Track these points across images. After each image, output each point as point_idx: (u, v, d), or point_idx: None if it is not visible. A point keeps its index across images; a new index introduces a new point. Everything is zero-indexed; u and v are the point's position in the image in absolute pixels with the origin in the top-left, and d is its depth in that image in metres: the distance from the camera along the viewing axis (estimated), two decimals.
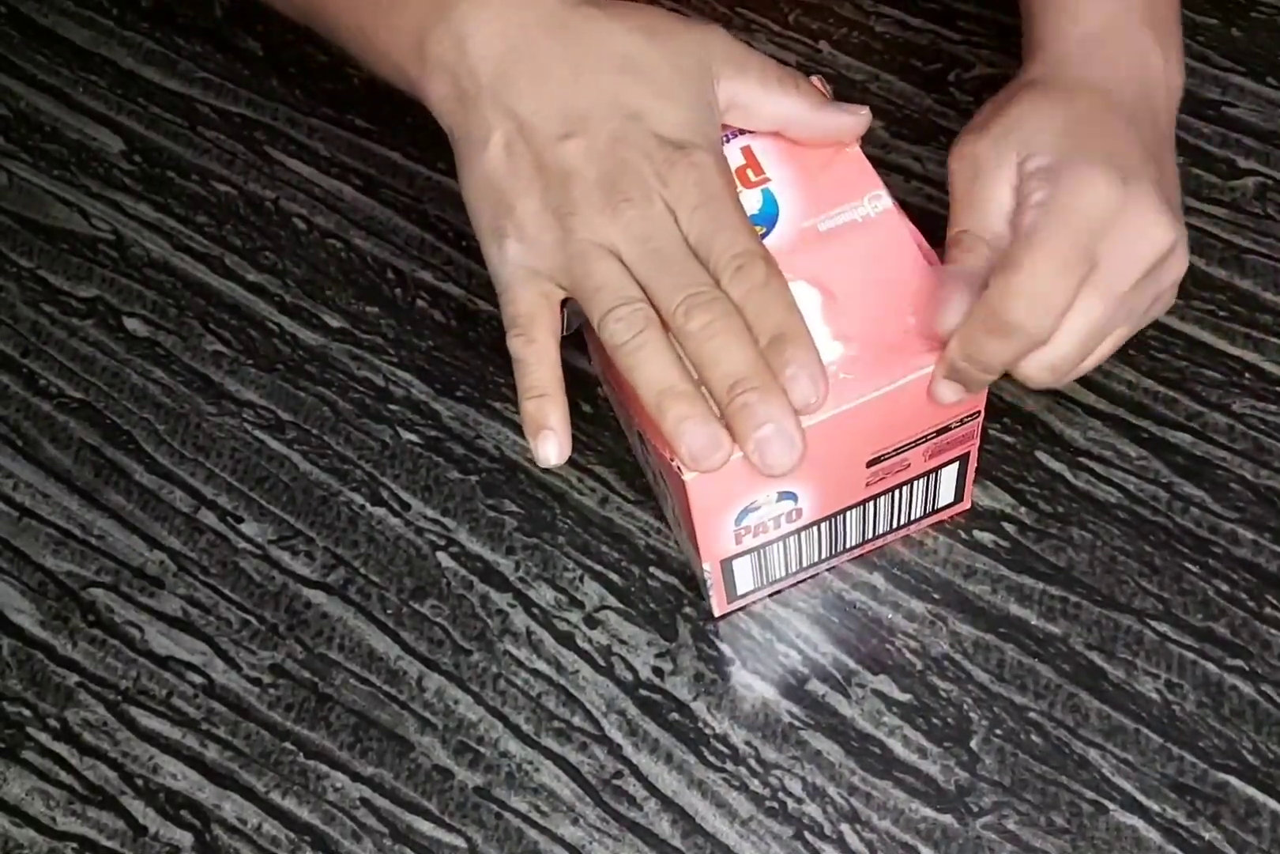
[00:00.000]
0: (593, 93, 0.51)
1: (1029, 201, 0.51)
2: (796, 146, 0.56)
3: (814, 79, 0.57)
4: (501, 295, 0.52)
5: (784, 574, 0.61)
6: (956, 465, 0.59)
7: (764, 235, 0.54)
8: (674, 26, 0.53)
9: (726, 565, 0.58)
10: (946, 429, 0.56)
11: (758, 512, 0.56)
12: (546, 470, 0.66)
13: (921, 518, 0.62)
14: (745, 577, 0.60)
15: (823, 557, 0.61)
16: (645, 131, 0.51)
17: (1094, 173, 0.50)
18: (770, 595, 0.63)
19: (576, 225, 0.50)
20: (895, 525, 0.62)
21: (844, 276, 0.54)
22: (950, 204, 0.54)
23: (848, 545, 0.62)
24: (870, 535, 0.62)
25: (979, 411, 0.56)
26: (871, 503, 0.59)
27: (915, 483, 0.59)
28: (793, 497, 0.56)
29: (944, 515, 0.63)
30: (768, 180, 0.56)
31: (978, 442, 0.59)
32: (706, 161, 0.51)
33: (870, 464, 0.56)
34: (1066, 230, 0.50)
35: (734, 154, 0.56)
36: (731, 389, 0.48)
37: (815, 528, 0.59)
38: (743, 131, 0.56)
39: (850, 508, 0.59)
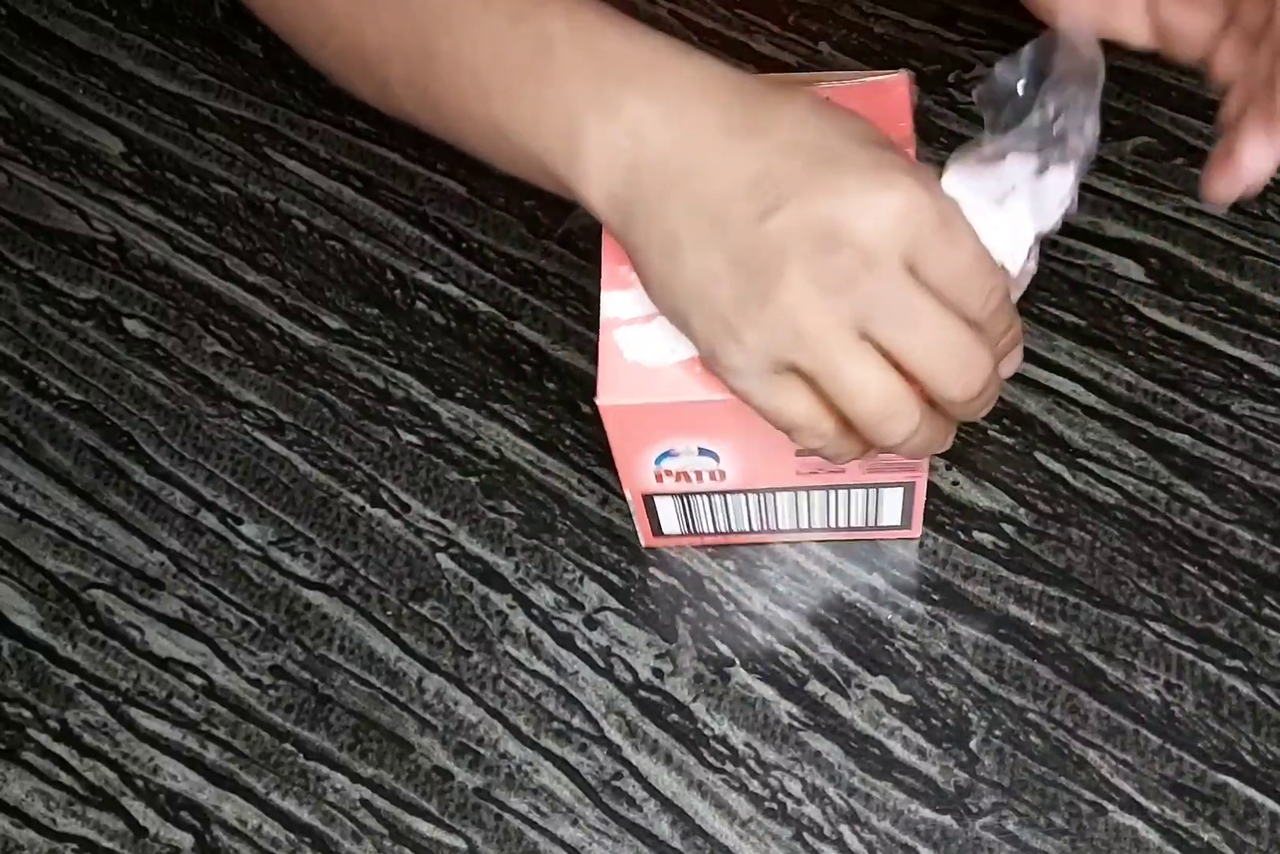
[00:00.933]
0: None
1: None
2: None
3: (902, 74, 0.57)
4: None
5: (712, 530, 0.62)
6: (901, 491, 0.59)
7: None
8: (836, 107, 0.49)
9: (649, 501, 0.60)
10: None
11: (677, 459, 0.57)
12: (546, 471, 0.66)
13: (864, 529, 0.62)
14: (670, 518, 0.61)
15: (754, 527, 0.62)
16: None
17: None
18: (710, 550, 0.63)
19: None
20: (833, 525, 0.62)
21: None
22: None
23: (781, 525, 0.62)
24: (806, 525, 0.62)
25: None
26: (806, 494, 0.59)
27: (855, 492, 0.59)
28: (713, 456, 0.56)
29: (889, 535, 0.63)
30: None
31: (924, 476, 0.59)
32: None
33: (800, 453, 0.56)
34: None
35: None
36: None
37: (744, 496, 0.59)
38: None
39: (781, 490, 0.59)
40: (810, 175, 0.46)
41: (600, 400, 0.54)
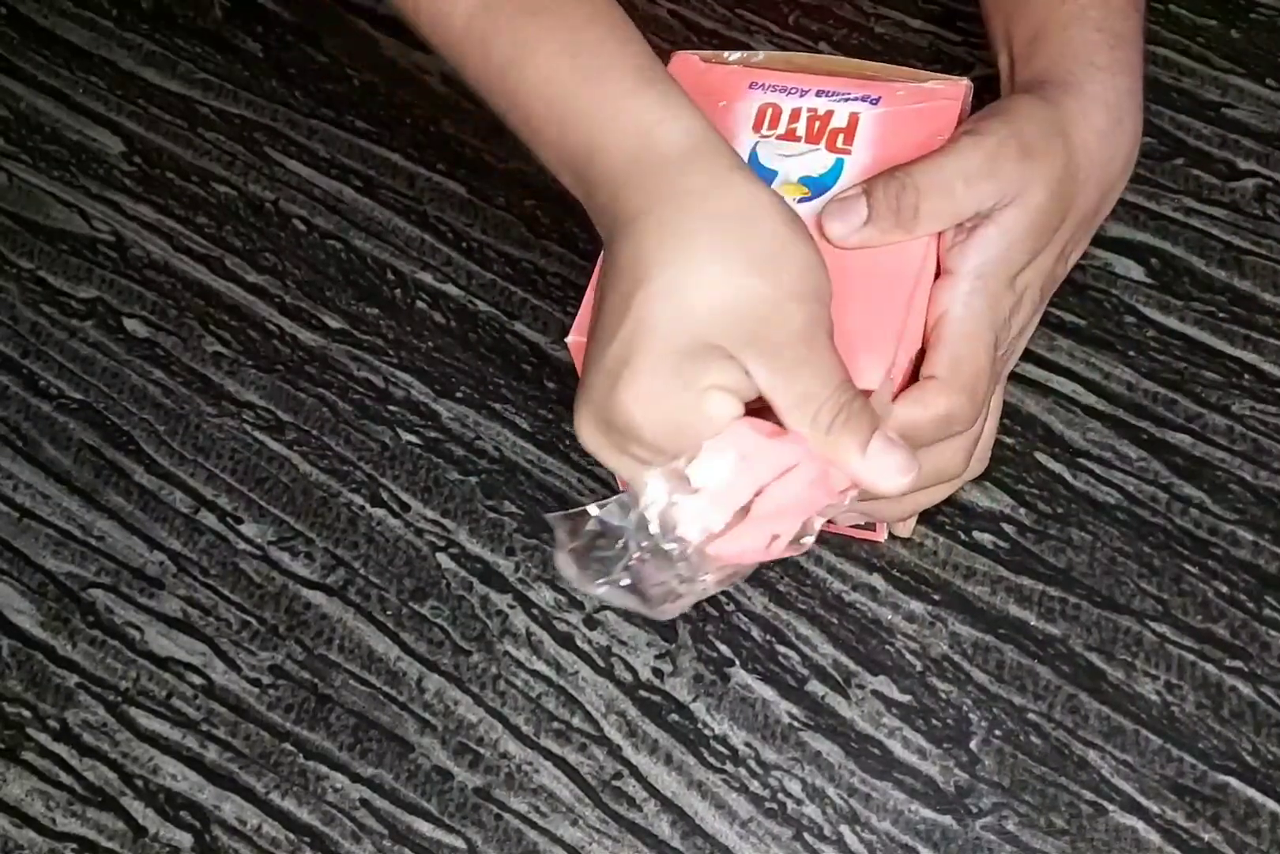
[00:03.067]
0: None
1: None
2: (898, 135, 0.56)
3: (962, 82, 0.57)
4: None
5: None
6: None
7: (805, 199, 0.55)
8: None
9: None
10: None
11: None
12: (546, 471, 0.66)
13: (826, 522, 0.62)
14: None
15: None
16: None
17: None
18: None
19: None
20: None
21: (835, 263, 0.52)
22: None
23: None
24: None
25: None
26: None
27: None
28: None
29: (858, 534, 0.63)
30: (849, 153, 0.56)
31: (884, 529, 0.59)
32: None
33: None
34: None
35: (842, 114, 0.57)
36: None
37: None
38: (864, 98, 0.57)
39: None
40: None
41: (570, 338, 0.53)
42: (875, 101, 0.57)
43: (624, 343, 0.48)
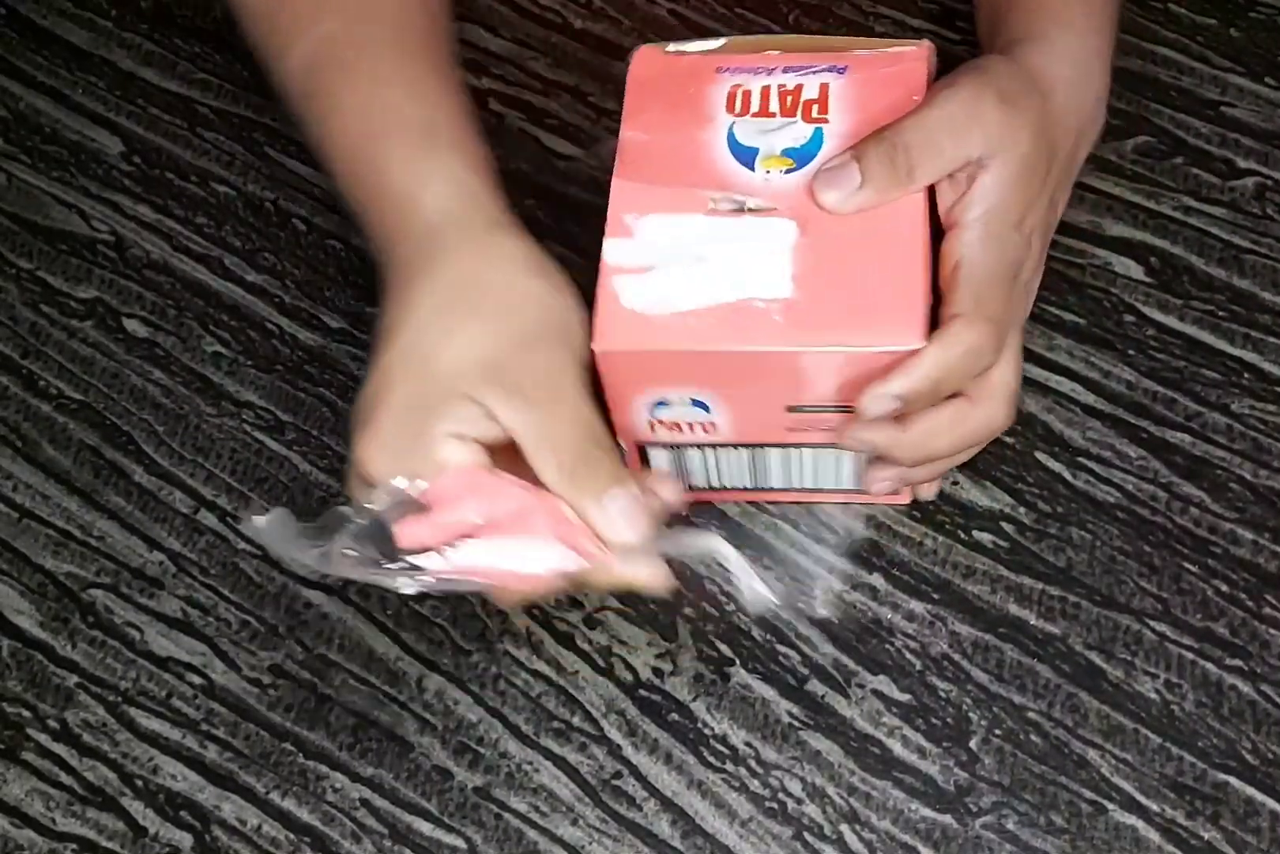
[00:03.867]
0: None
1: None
2: (871, 100, 0.57)
3: (924, 45, 0.59)
4: None
5: (705, 485, 0.62)
6: None
7: (791, 170, 0.56)
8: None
9: (643, 451, 0.60)
10: None
11: (669, 409, 0.57)
12: None
13: (854, 491, 0.62)
14: (663, 470, 0.61)
15: (746, 484, 0.62)
16: None
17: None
18: (694, 505, 0.63)
19: None
20: (822, 486, 0.62)
21: (835, 230, 0.54)
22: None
23: (771, 483, 0.62)
24: (797, 484, 0.62)
25: None
26: (797, 452, 0.60)
27: (845, 454, 0.59)
28: (704, 407, 0.57)
29: (881, 499, 0.63)
30: (826, 122, 0.57)
31: None
32: None
33: (791, 410, 0.56)
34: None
35: (812, 87, 0.58)
36: None
37: (736, 451, 0.60)
38: (831, 69, 0.58)
39: (772, 446, 0.59)
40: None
41: (596, 346, 0.54)
42: (842, 71, 0.58)
43: (368, 400, 0.52)
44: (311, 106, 0.59)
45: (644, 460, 0.61)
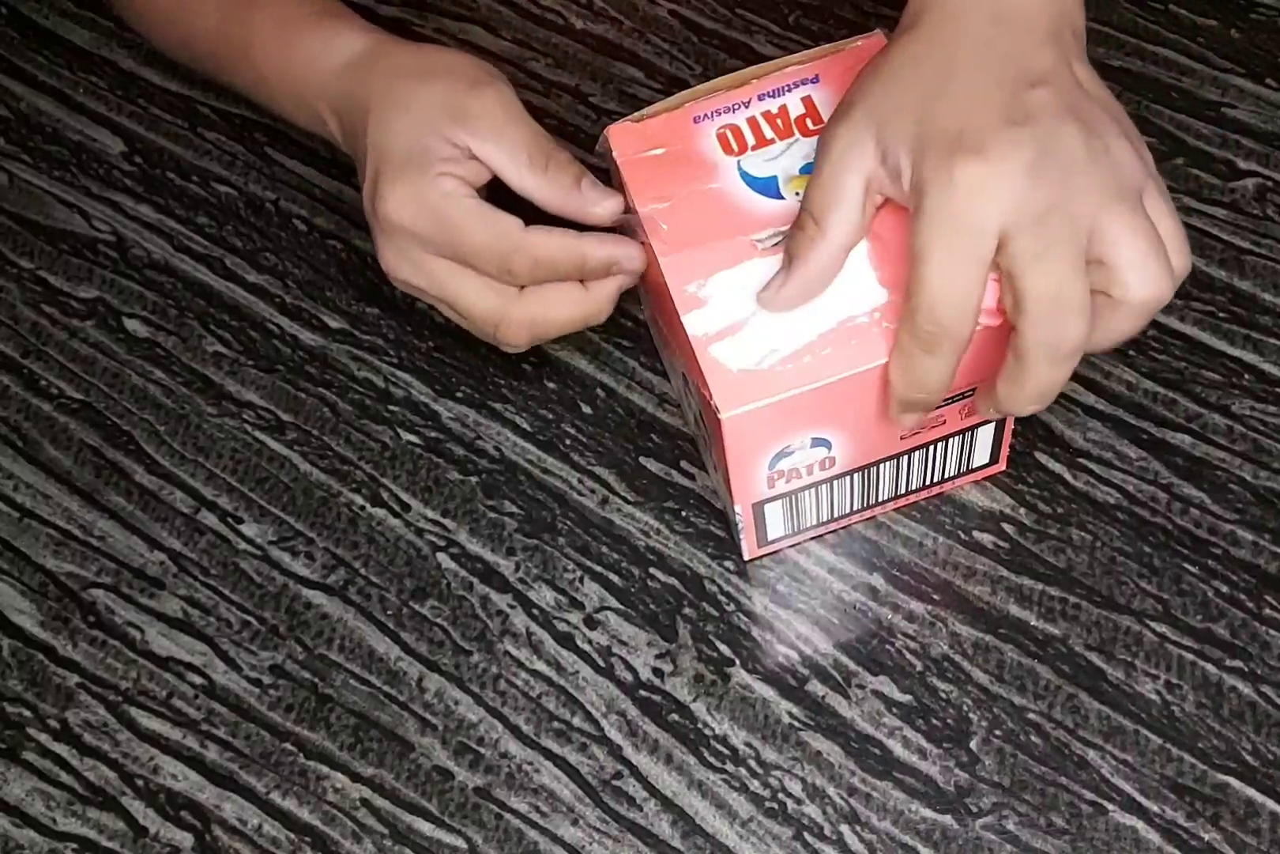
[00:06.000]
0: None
1: (911, 209, 0.51)
2: None
3: (876, 34, 0.59)
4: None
5: (815, 522, 0.62)
6: (993, 425, 0.60)
7: None
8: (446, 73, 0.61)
9: (758, 510, 0.59)
10: None
11: (791, 457, 0.57)
12: (546, 471, 0.66)
13: (955, 476, 0.63)
14: (776, 522, 0.61)
15: (855, 507, 0.62)
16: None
17: (951, 164, 0.49)
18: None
19: None
20: (929, 482, 0.62)
21: (891, 224, 0.54)
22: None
23: (880, 498, 0.62)
24: (903, 490, 0.62)
25: None
26: (906, 457, 0.60)
27: (950, 440, 0.60)
28: (826, 444, 0.57)
29: (978, 476, 0.63)
30: None
31: None
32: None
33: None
34: (946, 234, 0.49)
35: (794, 103, 0.58)
36: None
37: (848, 478, 0.60)
38: (803, 82, 0.58)
39: (884, 461, 0.59)
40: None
41: (724, 414, 0.53)
42: (815, 80, 0.58)
43: (371, 172, 0.59)
44: (231, 39, 0.67)
45: (758, 520, 0.60)
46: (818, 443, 0.57)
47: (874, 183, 0.52)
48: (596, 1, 0.79)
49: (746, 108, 0.58)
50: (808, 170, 0.56)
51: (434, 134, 0.58)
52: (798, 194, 0.56)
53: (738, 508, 0.59)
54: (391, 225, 0.58)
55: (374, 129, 0.59)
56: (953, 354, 0.51)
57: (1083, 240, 0.49)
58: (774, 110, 0.58)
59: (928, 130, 0.50)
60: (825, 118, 0.57)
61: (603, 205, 0.59)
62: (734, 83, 0.59)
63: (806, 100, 0.58)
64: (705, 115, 0.58)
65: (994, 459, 0.63)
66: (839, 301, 0.54)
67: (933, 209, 0.49)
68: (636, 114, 0.59)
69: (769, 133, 0.57)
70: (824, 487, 0.60)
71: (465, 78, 0.60)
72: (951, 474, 0.62)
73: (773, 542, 0.63)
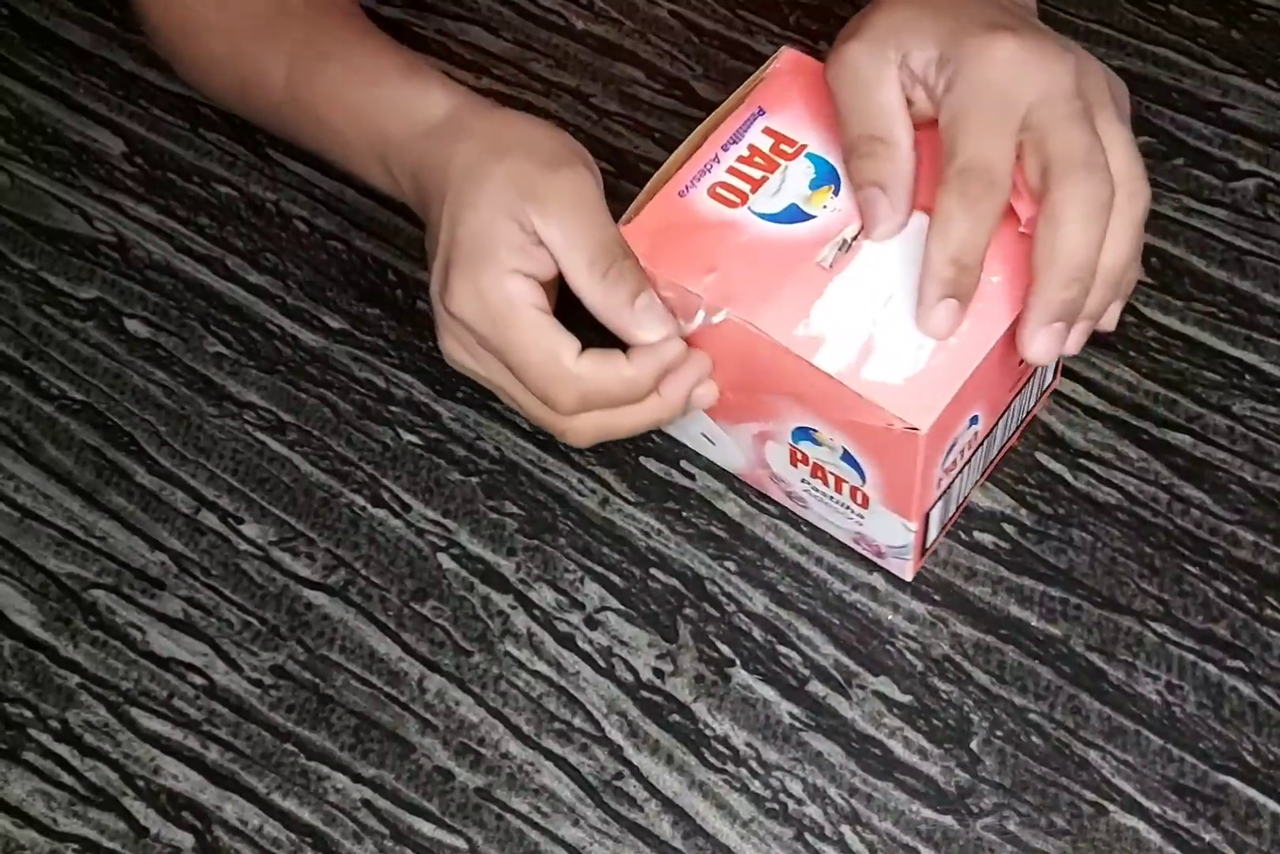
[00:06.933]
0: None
1: (938, 96, 0.53)
2: (810, 109, 0.58)
3: (785, 49, 0.59)
4: None
5: (951, 512, 0.62)
6: None
7: (836, 193, 0.56)
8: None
9: (926, 518, 0.59)
10: None
11: (955, 447, 0.57)
12: (546, 472, 0.66)
13: (1031, 409, 0.63)
14: (935, 525, 0.61)
15: (970, 486, 0.62)
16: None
17: (990, 39, 0.52)
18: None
19: None
20: (1013, 430, 0.63)
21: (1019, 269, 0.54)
22: (838, 117, 0.55)
23: (989, 460, 0.62)
24: (1000, 446, 0.62)
25: None
26: (1006, 410, 0.60)
27: (1035, 374, 0.61)
28: (974, 419, 0.57)
29: (1040, 407, 0.64)
30: (804, 147, 0.57)
31: None
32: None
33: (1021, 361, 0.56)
34: (984, 99, 0.52)
35: (759, 138, 0.58)
36: None
37: (981, 448, 0.60)
38: (754, 116, 0.58)
39: (1003, 414, 0.60)
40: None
41: (922, 425, 0.52)
42: (762, 112, 0.58)
43: (441, 258, 0.57)
44: (298, 90, 0.64)
45: (924, 529, 0.60)
46: (972, 422, 0.56)
47: (904, 88, 0.54)
48: (597, 2, 0.79)
49: (719, 162, 0.57)
50: (818, 186, 0.56)
51: (504, 215, 0.55)
52: (825, 206, 0.56)
53: (913, 525, 0.58)
54: (453, 317, 0.56)
55: (449, 204, 0.57)
56: (994, 213, 0.52)
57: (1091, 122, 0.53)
58: (745, 153, 0.57)
59: (959, 24, 0.53)
60: (796, 138, 0.57)
61: (652, 332, 0.56)
62: (689, 150, 0.58)
63: (768, 131, 0.58)
64: (688, 186, 0.57)
65: (1054, 376, 0.64)
66: None
67: (972, 76, 0.52)
68: (623, 217, 0.57)
69: (756, 173, 0.57)
70: (966, 469, 0.59)
71: (543, 154, 0.57)
72: (1030, 406, 0.63)
73: (929, 548, 0.62)
